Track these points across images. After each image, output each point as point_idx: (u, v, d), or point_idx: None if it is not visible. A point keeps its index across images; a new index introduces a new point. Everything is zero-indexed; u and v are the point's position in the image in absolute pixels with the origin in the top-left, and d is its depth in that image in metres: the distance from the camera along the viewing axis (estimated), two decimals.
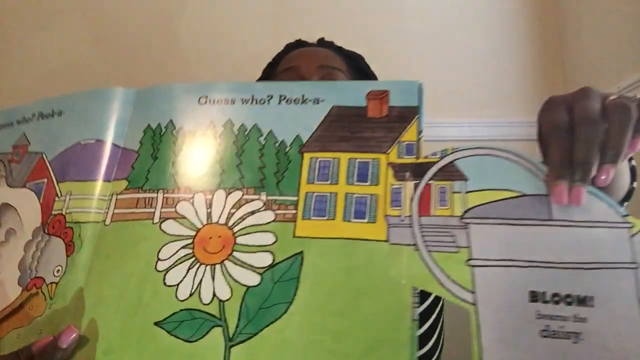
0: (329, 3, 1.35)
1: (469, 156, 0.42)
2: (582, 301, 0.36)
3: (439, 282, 0.38)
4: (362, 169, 0.42)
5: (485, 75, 1.33)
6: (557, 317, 0.36)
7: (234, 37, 1.29)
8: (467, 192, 0.40)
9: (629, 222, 0.37)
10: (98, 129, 0.48)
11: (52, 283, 0.43)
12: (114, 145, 0.48)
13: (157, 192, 0.44)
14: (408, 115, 0.43)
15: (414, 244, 0.39)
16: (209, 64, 1.26)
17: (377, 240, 0.40)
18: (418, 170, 0.42)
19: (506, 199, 0.40)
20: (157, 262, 0.42)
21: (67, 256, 0.44)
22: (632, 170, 0.50)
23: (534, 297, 0.37)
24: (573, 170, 0.38)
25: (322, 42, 0.83)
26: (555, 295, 0.37)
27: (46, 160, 0.50)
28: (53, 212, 0.46)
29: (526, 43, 1.37)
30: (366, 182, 0.42)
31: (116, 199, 0.45)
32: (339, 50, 0.80)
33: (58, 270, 0.44)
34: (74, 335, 0.40)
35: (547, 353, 0.35)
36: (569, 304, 0.37)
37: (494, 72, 1.33)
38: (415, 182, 0.41)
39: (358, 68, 0.78)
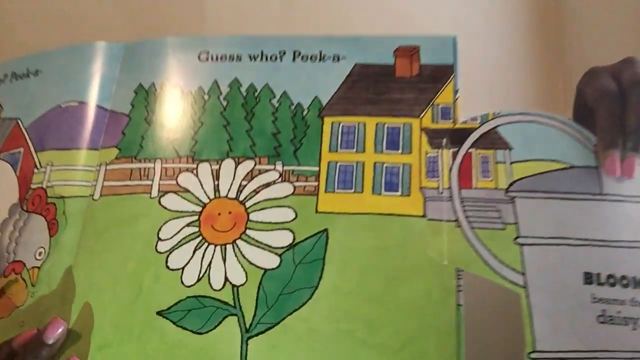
0: (333, 6, 1.32)
1: (512, 122, 0.37)
2: (639, 283, 0.33)
3: (485, 262, 0.33)
4: (392, 135, 0.37)
5: (485, 75, 1.30)
6: (614, 301, 0.33)
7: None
8: (511, 163, 0.36)
9: None
10: (81, 89, 0.42)
11: (33, 268, 0.37)
12: (100, 108, 0.41)
13: (154, 162, 0.38)
14: (442, 74, 0.38)
15: (455, 220, 0.34)
16: None
17: (412, 216, 0.35)
18: (456, 137, 0.37)
19: (554, 170, 0.36)
20: (157, 242, 0.36)
21: (51, 236, 0.38)
22: None
23: (589, 278, 0.33)
24: (625, 138, 0.34)
25: None
26: (610, 276, 0.33)
27: (22, 127, 0.43)
28: (32, 186, 0.40)
29: (526, 43, 1.31)
30: (397, 149, 0.37)
31: (105, 170, 0.39)
32: None
33: (40, 253, 0.38)
34: (62, 328, 0.35)
35: (605, 341, 0.32)
36: (626, 286, 0.33)
37: (493, 72, 1.30)
38: (454, 150, 0.36)
39: None
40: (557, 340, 0.32)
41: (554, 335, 0.32)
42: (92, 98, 0.41)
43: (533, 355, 0.31)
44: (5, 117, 0.44)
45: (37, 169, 0.40)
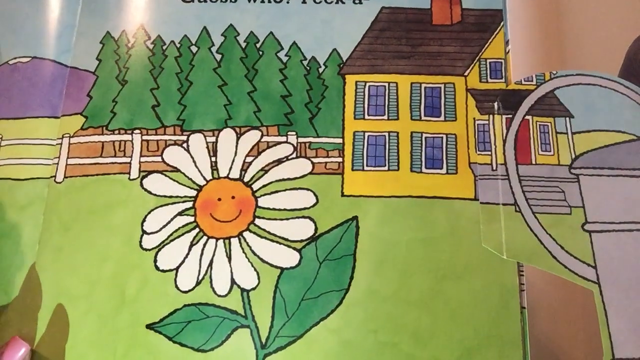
0: (331, 6, 1.23)
1: (571, 85, 0.31)
2: None
3: (551, 254, 0.28)
4: (432, 97, 0.30)
5: None
6: None
7: None
8: (573, 133, 0.30)
9: None
10: (33, 41, 0.33)
11: None
12: (58, 64, 0.32)
13: (132, 133, 0.30)
14: (490, 21, 0.31)
15: (514, 203, 0.28)
16: None
17: (461, 199, 0.28)
18: (510, 100, 0.30)
19: (620, 143, 0.30)
20: (142, 236, 0.29)
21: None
22: None
23: None
24: None
25: None
26: None
27: None
28: None
29: (526, 43, 1.30)
30: (439, 116, 0.30)
31: (69, 144, 0.31)
32: None
33: None
34: (22, 350, 0.27)
35: None
36: None
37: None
38: (507, 116, 0.30)
39: None
40: (638, 344, 0.27)
41: (635, 338, 0.27)
42: (48, 52, 0.32)
43: None
44: None
45: None
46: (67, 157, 0.31)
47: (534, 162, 0.29)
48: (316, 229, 0.28)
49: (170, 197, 0.29)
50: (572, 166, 0.29)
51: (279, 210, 0.29)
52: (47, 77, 0.32)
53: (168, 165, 0.30)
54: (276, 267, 0.28)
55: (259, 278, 0.28)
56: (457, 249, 0.28)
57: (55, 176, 0.30)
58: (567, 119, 0.30)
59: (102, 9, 0.33)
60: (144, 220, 0.29)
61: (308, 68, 0.31)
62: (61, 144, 0.31)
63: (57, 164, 0.31)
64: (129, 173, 0.30)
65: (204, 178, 0.29)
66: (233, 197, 0.29)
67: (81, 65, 0.32)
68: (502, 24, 0.31)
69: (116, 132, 0.31)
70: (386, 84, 0.30)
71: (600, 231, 0.28)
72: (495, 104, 0.30)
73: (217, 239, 0.28)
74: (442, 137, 0.30)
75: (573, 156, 0.29)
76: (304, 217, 0.29)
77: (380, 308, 0.27)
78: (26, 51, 0.33)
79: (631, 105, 0.31)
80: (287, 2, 0.32)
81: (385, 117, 0.30)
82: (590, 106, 0.30)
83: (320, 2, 0.32)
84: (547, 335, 0.33)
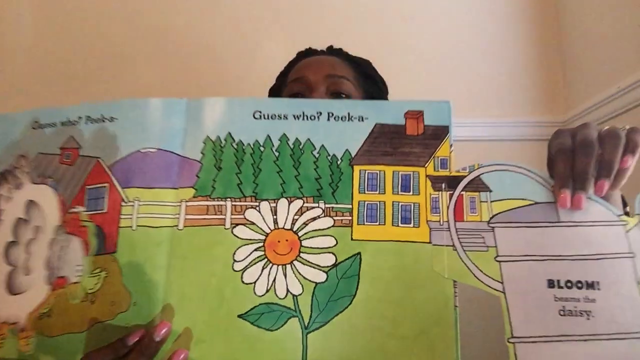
0: (338, 7, 1.34)
1: (491, 171, 0.51)
2: (591, 285, 0.47)
3: (474, 275, 0.47)
4: (405, 180, 0.50)
5: (486, 75, 1.33)
6: (571, 299, 0.47)
7: (245, 45, 1.28)
8: (491, 201, 0.50)
9: (624, 220, 0.48)
10: (158, 138, 0.52)
11: (75, 282, 0.49)
12: (175, 154, 0.52)
13: (226, 201, 0.51)
14: (441, 133, 0.51)
15: (452, 245, 0.48)
16: (220, 72, 1.27)
17: (421, 242, 0.48)
18: (451, 182, 0.50)
19: (523, 206, 0.50)
20: (233, 263, 0.48)
21: (86, 255, 0.50)
22: (623, 199, 0.61)
23: (551, 284, 0.47)
24: (574, 181, 0.48)
25: (330, 50, 0.89)
26: (568, 282, 0.47)
27: (104, 166, 0.53)
28: (121, 218, 0.51)
29: (526, 44, 1.37)
30: (409, 192, 0.50)
31: (186, 206, 0.51)
32: (347, 58, 0.86)
33: (78, 271, 0.50)
34: (166, 328, 0.47)
35: (565, 328, 0.46)
36: (580, 288, 0.47)
37: (494, 73, 1.33)
38: (450, 192, 0.50)
39: (365, 74, 0.85)
40: (528, 329, 0.46)
41: (526, 325, 0.46)
42: (169, 146, 0.52)
43: (511, 340, 0.45)
44: (85, 155, 0.54)
45: (125, 202, 0.51)
46: (185, 214, 0.51)
47: (465, 220, 0.49)
48: (336, 259, 0.48)
49: (250, 239, 0.49)
50: (490, 222, 0.49)
51: (314, 248, 0.49)
52: (168, 163, 0.52)
53: (247, 220, 0.50)
54: (313, 282, 0.48)
55: (303, 288, 0.48)
56: (418, 271, 0.48)
57: (177, 225, 0.50)
58: (488, 192, 0.50)
59: (202, 119, 0.53)
60: (234, 254, 0.49)
61: (331, 161, 0.51)
62: (180, 205, 0.51)
63: (178, 218, 0.50)
64: (224, 224, 0.50)
65: (269, 228, 0.49)
66: (287, 240, 0.49)
67: (190, 156, 0.52)
68: (448, 134, 0.51)
69: (216, 199, 0.51)
70: (378, 172, 0.51)
71: (506, 261, 0.48)
72: (443, 185, 0.50)
73: (278, 265, 0.48)
74: (411, 205, 0.50)
75: (490, 215, 0.49)
76: (329, 252, 0.48)
77: (373, 306, 0.47)
78: (153, 144, 0.52)
79: (531, 182, 0.51)
80: (318, 120, 0.52)
81: (377, 192, 0.50)
82: (504, 184, 0.50)
83: (338, 120, 0.52)
84: (471, 323, 0.52)
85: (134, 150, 0.53)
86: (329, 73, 0.79)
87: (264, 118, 0.53)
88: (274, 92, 0.92)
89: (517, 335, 0.46)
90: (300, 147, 0.52)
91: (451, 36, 1.35)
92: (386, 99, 0.89)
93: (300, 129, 0.52)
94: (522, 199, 0.50)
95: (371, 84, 0.86)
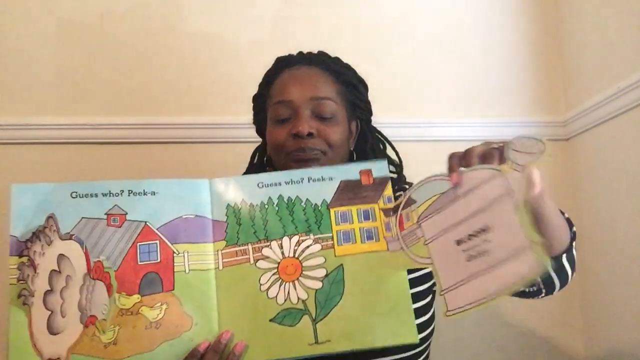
0: (338, 7, 1.40)
1: (415, 190, 0.75)
2: (484, 230, 0.64)
3: (415, 261, 0.71)
4: (366, 213, 0.75)
5: (486, 76, 1.38)
6: (473, 247, 0.65)
7: (233, 45, 1.37)
8: (417, 207, 0.74)
9: (499, 169, 0.64)
10: (194, 208, 0.75)
11: (102, 320, 0.71)
12: (207, 218, 0.76)
13: (248, 245, 0.75)
14: (384, 181, 0.77)
15: (401, 248, 0.73)
16: (210, 73, 1.36)
17: (382, 251, 0.73)
18: (395, 210, 0.75)
19: (434, 200, 0.71)
20: (260, 285, 0.72)
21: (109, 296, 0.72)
22: (568, 220, 0.80)
23: (459, 242, 0.67)
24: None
25: (310, 59, 0.95)
26: (469, 235, 0.66)
27: (152, 228, 0.74)
28: (175, 265, 0.73)
29: (526, 44, 1.40)
30: (369, 220, 0.75)
31: (221, 253, 0.74)
32: (327, 67, 0.93)
33: (104, 310, 0.72)
34: (229, 334, 0.69)
35: (473, 269, 0.65)
36: (478, 235, 0.65)
37: (494, 73, 1.37)
38: (394, 216, 0.75)
39: (346, 82, 0.93)
40: (449, 281, 0.67)
41: (447, 279, 0.67)
42: (204, 213, 0.76)
43: (442, 293, 0.67)
44: (132, 219, 0.73)
45: (176, 253, 0.74)
46: (222, 259, 0.74)
47: (405, 227, 0.74)
48: (327, 271, 0.72)
49: (268, 268, 0.73)
50: (418, 221, 0.73)
51: (312, 266, 0.73)
52: (204, 224, 0.76)
53: (264, 255, 0.74)
54: (313, 289, 0.71)
55: (307, 295, 0.71)
56: (383, 269, 0.72)
57: (218, 267, 0.74)
58: (415, 204, 0.75)
59: (222, 192, 0.78)
60: (259, 280, 0.72)
61: (314, 208, 0.76)
62: (217, 253, 0.74)
63: (218, 262, 0.74)
64: (249, 261, 0.74)
65: (279, 258, 0.73)
66: (292, 264, 0.73)
67: (218, 218, 0.76)
68: (389, 181, 0.77)
69: (241, 245, 0.75)
70: (347, 210, 0.76)
71: (431, 241, 0.71)
72: (390, 212, 0.75)
73: (289, 282, 0.72)
74: (372, 228, 0.74)
75: (418, 217, 0.74)
76: (321, 267, 0.72)
77: (356, 298, 0.70)
78: (192, 212, 0.75)
79: (439, 182, 0.70)
80: (302, 183, 0.77)
81: (348, 223, 0.75)
82: (425, 192, 0.75)
83: (316, 182, 0.77)
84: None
85: (176, 216, 0.75)
86: (312, 96, 0.88)
87: (265, 186, 0.78)
88: (257, 99, 0.99)
89: (444, 288, 0.68)
90: (292, 201, 0.77)
91: (451, 36, 1.39)
92: (367, 99, 0.98)
93: (291, 190, 0.77)
94: (435, 195, 0.71)
95: (351, 90, 0.93)
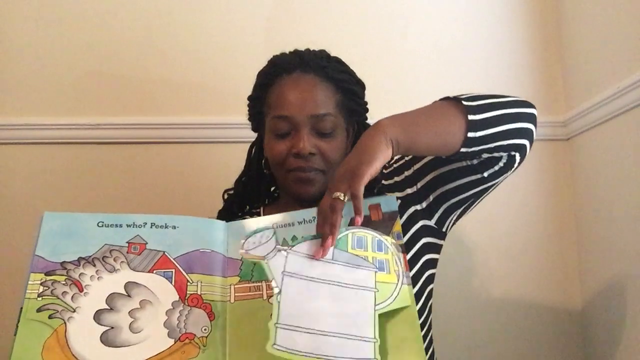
0: (337, 7, 1.39)
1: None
2: None
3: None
4: (380, 244, 0.77)
5: (486, 76, 1.38)
6: None
7: (227, 42, 1.36)
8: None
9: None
10: (211, 243, 0.78)
11: (202, 337, 0.73)
12: (222, 255, 0.78)
13: (261, 282, 0.77)
14: (394, 216, 0.79)
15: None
16: (204, 73, 1.37)
17: (391, 282, 0.75)
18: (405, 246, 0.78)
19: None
20: (271, 314, 0.74)
21: (211, 321, 0.74)
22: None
23: None
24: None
25: (307, 63, 0.91)
26: None
27: (170, 257, 0.77)
28: (188, 292, 0.75)
29: (526, 43, 1.40)
30: (382, 251, 0.77)
31: (234, 288, 0.76)
32: (326, 76, 0.90)
33: (205, 329, 0.73)
34: None
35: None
36: None
37: (494, 73, 1.37)
38: (403, 254, 0.77)
39: (344, 90, 0.91)
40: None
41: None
42: (218, 249, 0.78)
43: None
44: (151, 249, 0.77)
45: (189, 282, 0.76)
46: (234, 293, 0.76)
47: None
48: None
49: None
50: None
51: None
52: (219, 260, 0.78)
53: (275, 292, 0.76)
54: None
55: None
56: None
57: (229, 300, 0.76)
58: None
59: (236, 233, 0.79)
60: (271, 314, 0.74)
61: None
62: (230, 287, 0.76)
63: (230, 295, 0.76)
64: (262, 297, 0.76)
65: None
66: None
67: (232, 256, 0.78)
68: (398, 216, 0.78)
69: (254, 282, 0.77)
70: (364, 236, 0.77)
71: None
72: (400, 247, 0.77)
73: None
74: (384, 260, 0.77)
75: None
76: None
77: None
78: (208, 247, 0.77)
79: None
80: (314, 223, 0.79)
81: (362, 249, 0.77)
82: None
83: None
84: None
85: (194, 249, 0.78)
86: (312, 113, 0.87)
87: (279, 227, 0.80)
88: (254, 101, 0.97)
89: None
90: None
91: (450, 36, 1.38)
92: (364, 101, 0.97)
93: (303, 230, 0.79)
94: None
95: (351, 96, 0.92)
